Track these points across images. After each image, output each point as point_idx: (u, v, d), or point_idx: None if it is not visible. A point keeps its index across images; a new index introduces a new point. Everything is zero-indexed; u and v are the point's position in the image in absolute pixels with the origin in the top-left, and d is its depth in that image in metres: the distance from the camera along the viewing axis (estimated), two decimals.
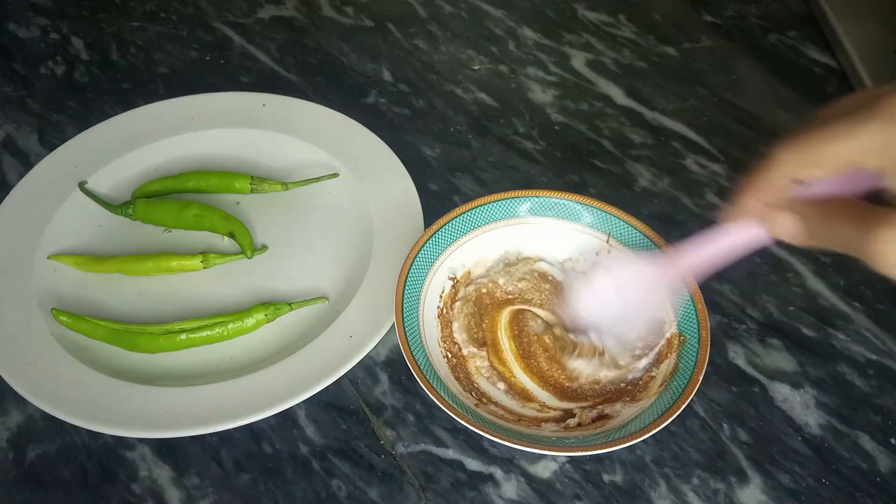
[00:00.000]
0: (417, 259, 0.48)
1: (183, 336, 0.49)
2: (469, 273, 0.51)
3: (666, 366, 0.45)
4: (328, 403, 0.47)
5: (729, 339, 0.50)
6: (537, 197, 0.51)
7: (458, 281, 0.51)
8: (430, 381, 0.42)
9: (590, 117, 0.64)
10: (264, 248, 0.55)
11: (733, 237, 0.36)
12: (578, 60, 0.69)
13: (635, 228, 0.49)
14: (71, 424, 0.46)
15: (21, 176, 0.58)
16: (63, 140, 0.61)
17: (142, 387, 0.47)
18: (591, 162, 0.61)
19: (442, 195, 0.58)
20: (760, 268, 0.53)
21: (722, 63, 0.68)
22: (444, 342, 0.48)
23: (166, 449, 0.46)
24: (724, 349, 0.49)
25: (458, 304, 0.50)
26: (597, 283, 0.44)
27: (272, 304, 0.50)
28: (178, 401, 0.46)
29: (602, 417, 0.44)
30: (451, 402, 0.41)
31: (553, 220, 0.51)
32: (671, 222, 0.56)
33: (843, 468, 0.44)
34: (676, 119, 0.64)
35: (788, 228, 0.34)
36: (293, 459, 0.45)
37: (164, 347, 0.49)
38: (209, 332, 0.49)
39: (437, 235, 0.49)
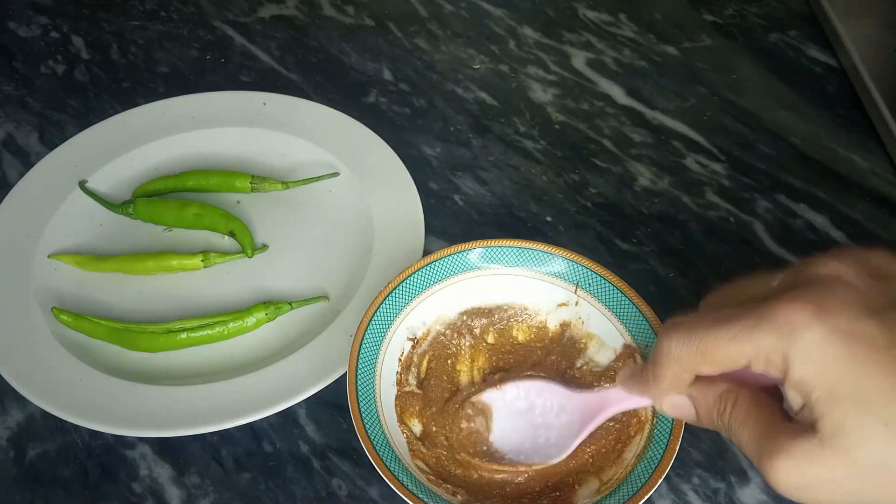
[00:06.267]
0: (371, 324, 0.45)
1: (183, 335, 0.49)
2: (429, 332, 0.48)
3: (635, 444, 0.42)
4: (328, 402, 0.47)
5: None
6: (499, 247, 0.48)
7: (417, 341, 0.47)
8: (388, 466, 0.40)
9: (590, 116, 0.64)
10: (265, 247, 0.55)
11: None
12: (579, 59, 0.69)
13: (606, 280, 0.46)
14: (71, 423, 0.46)
15: (21, 175, 0.58)
16: (63, 139, 0.61)
17: (142, 386, 0.47)
18: (592, 161, 0.61)
19: (442, 194, 0.58)
20: (761, 266, 0.53)
21: (722, 62, 0.68)
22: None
23: (167, 448, 0.46)
24: None
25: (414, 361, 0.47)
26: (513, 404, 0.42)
27: (272, 304, 0.50)
28: (178, 399, 0.46)
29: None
30: (413, 491, 0.39)
31: (519, 269, 0.48)
32: (671, 222, 0.56)
33: None
34: (677, 118, 0.64)
35: (683, 411, 0.33)
36: (293, 458, 0.45)
37: (165, 346, 0.49)
38: (210, 331, 0.49)
39: (390, 297, 0.46)
